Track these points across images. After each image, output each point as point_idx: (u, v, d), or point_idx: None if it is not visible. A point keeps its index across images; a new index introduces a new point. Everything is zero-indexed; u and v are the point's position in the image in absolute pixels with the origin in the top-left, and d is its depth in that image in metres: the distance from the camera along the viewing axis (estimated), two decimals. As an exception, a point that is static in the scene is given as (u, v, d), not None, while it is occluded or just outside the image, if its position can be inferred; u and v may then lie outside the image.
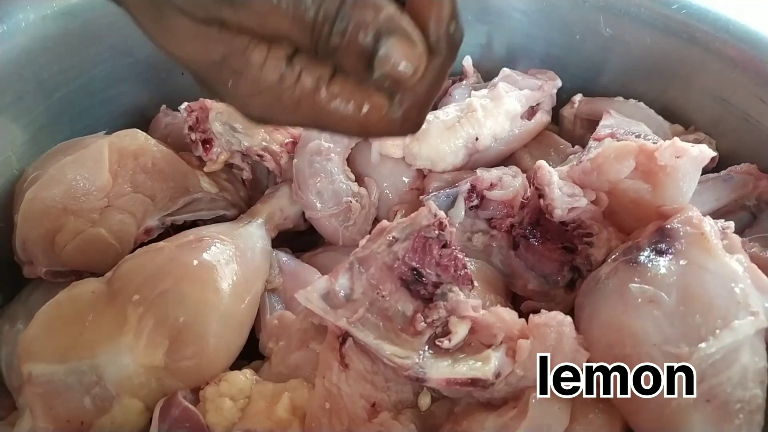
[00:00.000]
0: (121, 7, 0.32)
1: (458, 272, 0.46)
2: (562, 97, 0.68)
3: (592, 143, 0.54)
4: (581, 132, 0.67)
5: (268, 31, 0.30)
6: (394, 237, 0.46)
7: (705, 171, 0.57)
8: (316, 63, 0.31)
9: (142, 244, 0.53)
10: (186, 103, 0.58)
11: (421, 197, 0.58)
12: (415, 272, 0.45)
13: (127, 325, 0.44)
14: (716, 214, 0.54)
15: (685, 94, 0.62)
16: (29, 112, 0.56)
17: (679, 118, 0.63)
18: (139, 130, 0.55)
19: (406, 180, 0.60)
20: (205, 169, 0.59)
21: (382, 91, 0.32)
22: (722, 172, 0.56)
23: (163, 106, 0.66)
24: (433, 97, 0.33)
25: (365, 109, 0.32)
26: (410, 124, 0.33)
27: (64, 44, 0.57)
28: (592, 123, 0.63)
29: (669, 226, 0.44)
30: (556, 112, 0.68)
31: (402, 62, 0.30)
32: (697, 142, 0.60)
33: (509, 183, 0.55)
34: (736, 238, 0.44)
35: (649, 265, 0.42)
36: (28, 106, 0.55)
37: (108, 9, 0.59)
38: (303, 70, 0.31)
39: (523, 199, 0.55)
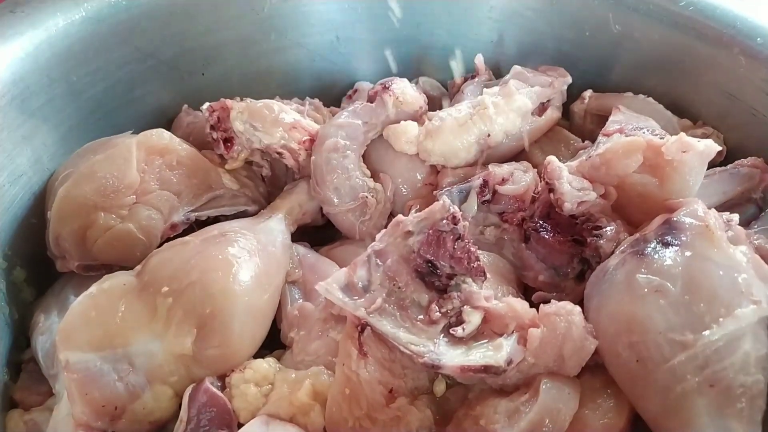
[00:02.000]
0: None
1: (471, 264, 0.47)
2: (573, 93, 0.69)
3: (601, 138, 0.56)
4: (591, 127, 0.68)
5: None
6: (409, 231, 0.48)
7: (713, 164, 0.59)
8: None
9: (168, 239, 0.55)
10: (208, 103, 0.61)
11: (434, 192, 0.60)
12: (430, 264, 0.47)
13: (157, 316, 0.47)
14: (723, 207, 0.56)
15: (693, 89, 0.63)
16: (59, 113, 0.58)
17: (687, 113, 0.64)
18: (165, 130, 0.57)
19: (420, 176, 0.62)
20: (226, 166, 0.61)
21: None
22: (729, 166, 0.57)
23: (185, 106, 0.68)
24: None
25: None
26: None
27: (92, 48, 0.59)
28: (602, 118, 0.64)
29: (675, 219, 0.45)
30: (566, 108, 0.70)
31: None
32: (705, 136, 0.61)
33: (520, 178, 0.57)
34: (740, 230, 0.46)
35: (656, 257, 0.44)
36: (58, 108, 0.58)
37: (131, 14, 0.62)
38: None
39: (533, 193, 0.57)
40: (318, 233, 0.65)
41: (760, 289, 0.42)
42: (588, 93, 0.69)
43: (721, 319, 0.40)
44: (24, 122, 0.54)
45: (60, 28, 0.56)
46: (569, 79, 0.67)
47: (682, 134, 0.49)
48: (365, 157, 0.63)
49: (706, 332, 0.40)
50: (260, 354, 0.52)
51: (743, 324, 0.40)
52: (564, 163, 0.58)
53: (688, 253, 0.43)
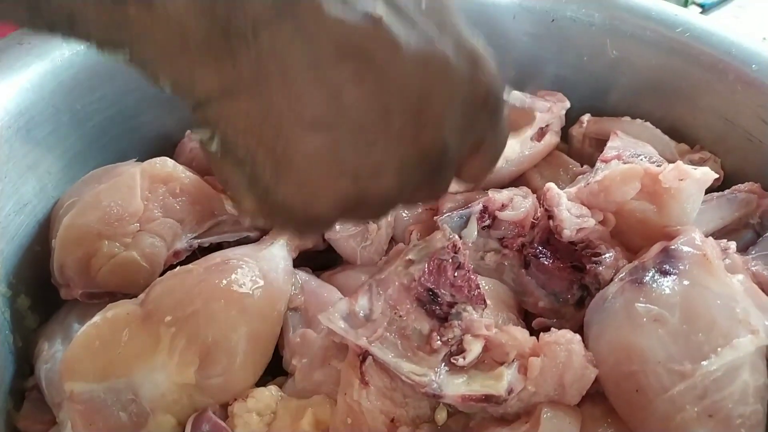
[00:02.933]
0: None
1: (472, 292, 0.48)
2: (572, 116, 0.70)
3: (599, 165, 0.57)
4: (590, 150, 0.69)
5: None
6: (410, 259, 0.49)
7: (711, 189, 0.59)
8: None
9: (171, 266, 0.56)
10: (211, 131, 0.61)
11: (435, 218, 0.60)
12: (430, 293, 0.48)
13: (160, 345, 0.47)
14: (721, 233, 0.56)
15: (690, 113, 0.64)
16: (64, 141, 0.59)
17: (685, 137, 0.65)
18: (168, 158, 0.57)
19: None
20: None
21: None
22: (726, 191, 0.58)
23: (188, 132, 0.69)
24: None
25: None
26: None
27: (96, 77, 0.60)
28: (601, 142, 0.65)
29: (673, 247, 0.46)
30: (566, 131, 0.71)
31: None
32: (703, 160, 0.62)
33: (520, 204, 0.58)
34: (738, 258, 0.46)
35: (654, 285, 0.44)
36: (63, 136, 0.58)
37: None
38: None
39: (533, 219, 0.57)
40: (320, 257, 0.65)
41: (757, 318, 0.42)
42: (586, 117, 0.69)
43: (719, 349, 0.40)
44: (29, 152, 0.55)
45: (65, 58, 0.57)
46: (567, 104, 0.68)
47: (679, 162, 0.50)
48: (366, 182, 0.64)
49: (705, 362, 0.40)
50: (263, 380, 0.52)
51: (741, 354, 0.40)
52: (563, 188, 0.59)
53: (686, 282, 0.44)
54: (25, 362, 0.55)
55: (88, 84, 0.59)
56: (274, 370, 0.54)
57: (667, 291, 0.43)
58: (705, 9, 1.37)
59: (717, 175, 0.50)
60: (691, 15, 0.64)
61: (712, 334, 0.41)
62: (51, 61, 0.56)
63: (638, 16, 0.65)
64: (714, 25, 0.62)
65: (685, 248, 0.45)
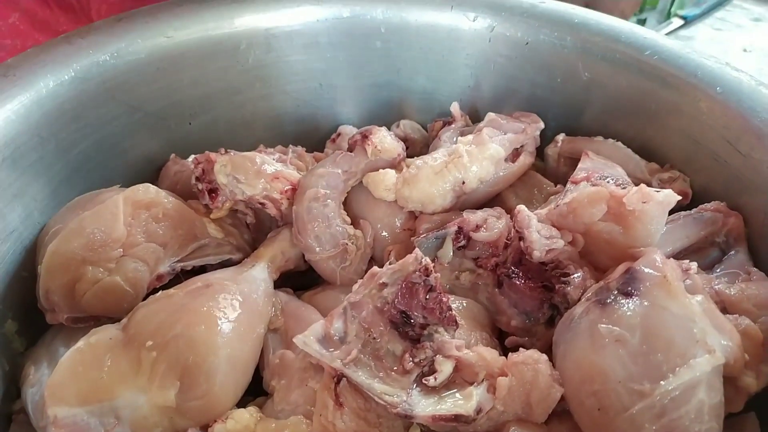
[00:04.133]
0: None
1: (443, 314, 0.49)
2: (548, 135, 0.72)
3: (569, 186, 0.58)
4: (565, 169, 0.70)
5: None
6: (384, 282, 0.50)
7: (680, 208, 0.61)
8: None
9: (154, 290, 0.57)
10: (193, 156, 0.63)
11: (412, 238, 0.62)
12: (403, 315, 0.49)
13: (142, 369, 0.49)
14: (688, 251, 0.58)
15: (660, 133, 0.66)
16: (50, 168, 0.60)
17: (655, 156, 0.66)
18: (151, 185, 0.59)
19: (399, 221, 0.64)
20: (211, 215, 0.63)
21: None
22: (693, 211, 0.59)
23: (173, 155, 0.71)
24: None
25: None
26: None
27: (80, 105, 0.62)
28: (575, 161, 0.66)
29: (635, 269, 0.48)
30: (542, 150, 0.73)
31: None
32: (672, 179, 0.64)
33: (493, 225, 0.59)
34: (698, 279, 0.48)
35: (616, 306, 0.46)
36: (49, 164, 0.60)
37: (119, 71, 0.65)
38: None
39: (506, 239, 0.59)
40: (301, 277, 0.67)
41: (714, 338, 0.44)
42: (561, 137, 0.71)
43: (677, 369, 0.42)
44: (15, 180, 0.57)
45: (50, 88, 0.59)
46: (542, 125, 0.69)
47: (642, 185, 0.52)
48: (346, 204, 0.65)
49: (663, 382, 0.42)
50: (244, 400, 0.54)
51: (698, 373, 0.42)
52: (536, 208, 0.61)
53: (646, 304, 0.45)
54: (12, 385, 0.57)
55: (72, 113, 0.61)
56: (256, 390, 0.56)
57: (629, 312, 0.45)
58: (687, 21, 1.40)
59: (679, 197, 0.51)
60: (659, 38, 0.66)
61: (670, 354, 0.42)
62: (36, 92, 0.57)
63: (608, 40, 0.67)
64: (681, 48, 0.64)
65: (647, 270, 0.47)
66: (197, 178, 0.62)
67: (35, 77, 0.58)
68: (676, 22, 1.38)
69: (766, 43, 1.36)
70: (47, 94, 0.58)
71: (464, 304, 0.57)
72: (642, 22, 1.39)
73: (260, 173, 0.62)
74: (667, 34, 1.35)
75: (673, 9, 1.42)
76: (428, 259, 0.50)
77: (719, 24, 1.41)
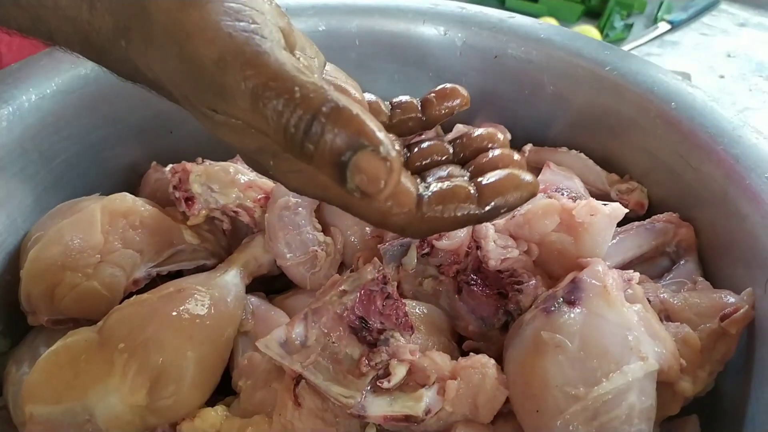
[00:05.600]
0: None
1: (399, 320, 0.52)
2: (517, 146, 0.75)
3: (527, 197, 0.61)
4: (530, 178, 0.73)
5: (253, 128, 0.32)
6: (344, 290, 0.53)
7: (636, 218, 0.64)
8: None
9: (131, 294, 0.60)
10: (171, 165, 0.66)
11: (378, 245, 0.65)
12: (361, 320, 0.52)
13: (114, 370, 0.51)
14: (639, 260, 0.61)
15: (619, 146, 0.68)
16: (33, 178, 0.63)
17: (616, 168, 0.69)
18: (128, 194, 0.62)
19: (368, 229, 0.67)
20: (188, 222, 0.66)
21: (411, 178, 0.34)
22: (646, 221, 0.62)
23: (153, 163, 0.73)
24: (453, 229, 0.36)
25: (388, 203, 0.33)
26: (427, 225, 0.34)
27: (63, 118, 0.64)
28: (540, 171, 0.69)
29: (579, 278, 0.50)
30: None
31: (370, 177, 0.28)
32: (630, 190, 0.66)
33: (455, 233, 0.62)
34: (639, 289, 0.51)
35: (559, 314, 0.49)
36: (32, 174, 0.63)
37: (100, 84, 0.68)
38: None
39: (467, 247, 0.62)
40: (274, 281, 0.69)
41: (648, 345, 0.46)
42: (528, 147, 0.74)
43: (611, 374, 0.45)
44: (-1, 190, 0.60)
45: (32, 102, 0.61)
46: (509, 136, 0.72)
47: (591, 199, 0.54)
48: (318, 211, 0.68)
49: (597, 386, 0.44)
50: (214, 399, 0.57)
51: (630, 379, 0.45)
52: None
53: (585, 312, 0.48)
54: (-4, 384, 0.60)
55: (54, 125, 0.64)
56: (226, 390, 0.59)
57: (569, 320, 0.48)
58: (674, 26, 1.42)
59: (627, 210, 0.54)
60: (619, 54, 0.69)
61: (604, 361, 0.45)
62: (18, 106, 0.60)
63: (571, 55, 0.69)
64: (639, 64, 0.67)
65: (589, 279, 0.49)
66: (174, 187, 0.65)
67: (17, 91, 0.61)
68: (663, 26, 1.40)
69: (749, 48, 1.38)
70: (29, 108, 0.61)
71: (425, 310, 0.60)
72: (629, 27, 1.41)
73: (234, 183, 0.65)
74: (653, 39, 1.38)
75: (660, 14, 1.44)
76: (387, 268, 0.53)
77: (705, 29, 1.44)
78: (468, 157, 0.40)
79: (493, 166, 0.37)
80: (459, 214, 0.34)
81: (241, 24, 0.32)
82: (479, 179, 0.35)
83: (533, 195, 0.36)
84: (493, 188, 0.34)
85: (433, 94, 0.46)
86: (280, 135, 0.30)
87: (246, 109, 0.31)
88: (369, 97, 0.45)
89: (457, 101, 0.46)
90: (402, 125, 0.46)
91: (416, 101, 0.46)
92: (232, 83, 0.31)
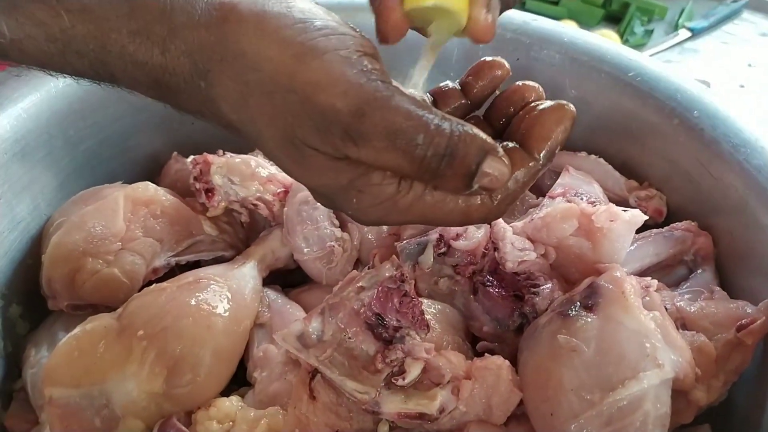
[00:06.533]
0: (267, 158, 0.40)
1: (415, 318, 0.52)
2: (535, 148, 0.75)
3: (546, 201, 0.61)
4: (549, 182, 0.73)
5: (381, 164, 0.36)
6: (361, 286, 0.54)
7: (654, 225, 0.64)
8: None
9: (150, 282, 0.61)
10: (192, 157, 0.67)
11: (395, 243, 0.65)
12: (378, 317, 0.52)
13: (132, 356, 0.52)
14: (656, 267, 0.61)
15: (640, 152, 0.68)
16: (57, 163, 0.64)
17: (635, 174, 0.69)
18: (150, 183, 0.63)
19: (385, 227, 0.67)
20: (207, 213, 0.67)
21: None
22: (664, 229, 0.62)
23: (175, 153, 0.74)
24: (521, 193, 0.41)
25: (466, 204, 0.39)
26: (500, 211, 0.40)
27: (89, 105, 0.65)
28: (559, 174, 0.69)
29: (596, 284, 0.50)
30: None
31: (496, 176, 0.37)
32: (649, 197, 0.66)
33: (473, 234, 0.62)
34: (656, 296, 0.51)
35: (576, 319, 0.49)
36: (56, 159, 0.64)
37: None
38: (414, 180, 0.37)
39: (484, 249, 0.62)
40: (290, 275, 0.70)
41: (664, 353, 0.46)
42: (547, 150, 0.74)
43: (626, 381, 0.45)
44: (24, 174, 0.60)
45: (59, 89, 0.62)
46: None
47: (611, 205, 0.54)
48: (336, 207, 0.68)
49: (612, 392, 0.45)
50: (229, 389, 0.57)
51: (646, 386, 0.45)
52: (517, 219, 0.64)
53: (603, 317, 0.48)
54: (15, 365, 0.61)
55: (80, 112, 0.64)
56: (241, 381, 0.59)
57: (586, 325, 0.48)
58: (695, 33, 1.41)
59: (646, 217, 0.54)
60: (643, 59, 0.68)
61: (621, 367, 0.45)
62: (46, 92, 0.61)
63: (594, 59, 0.69)
64: (664, 71, 0.67)
65: (607, 285, 0.49)
66: (195, 178, 0.66)
67: (46, 78, 0.61)
68: (684, 33, 1.39)
69: (770, 59, 1.37)
70: (57, 94, 0.62)
71: (440, 309, 0.60)
72: (649, 33, 1.40)
73: (254, 176, 0.65)
74: (673, 46, 1.37)
75: (680, 21, 1.43)
76: (404, 266, 0.53)
77: (726, 37, 1.43)
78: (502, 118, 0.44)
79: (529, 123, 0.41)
80: (524, 179, 0.39)
81: (364, 72, 0.35)
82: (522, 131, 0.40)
83: (573, 117, 0.41)
84: (539, 136, 0.40)
85: (470, 76, 0.46)
86: (416, 163, 0.35)
87: (382, 148, 0.35)
88: (414, 92, 0.46)
89: (498, 73, 0.46)
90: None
91: (456, 86, 0.46)
92: (370, 129, 0.34)
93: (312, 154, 0.37)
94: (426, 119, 0.35)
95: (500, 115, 0.44)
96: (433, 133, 0.35)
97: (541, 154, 0.39)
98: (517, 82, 0.44)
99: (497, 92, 0.46)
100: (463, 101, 0.46)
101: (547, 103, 0.41)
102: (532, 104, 0.42)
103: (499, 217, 0.42)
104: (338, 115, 0.34)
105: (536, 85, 0.44)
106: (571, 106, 0.40)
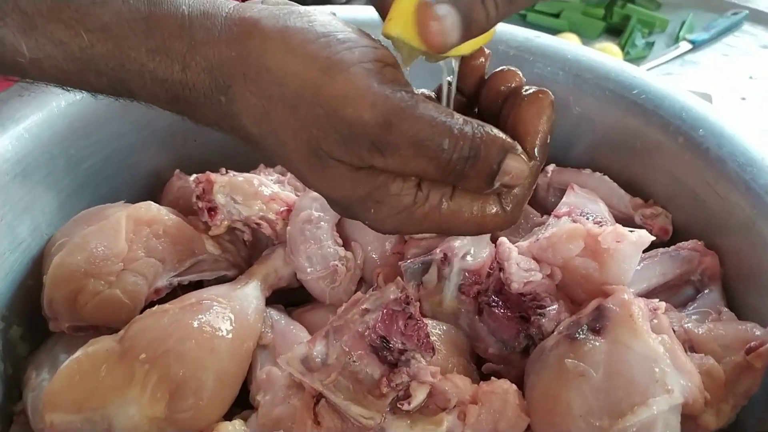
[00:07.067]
0: (287, 169, 0.42)
1: (421, 341, 0.52)
2: (540, 165, 0.74)
3: (551, 220, 0.61)
4: (553, 199, 0.73)
5: (408, 170, 0.38)
6: (366, 308, 0.53)
7: (660, 244, 0.63)
8: (440, 183, 0.39)
9: (152, 303, 0.60)
10: (195, 175, 0.66)
11: (399, 263, 0.65)
12: (383, 340, 0.52)
13: (134, 381, 0.52)
14: (663, 288, 0.60)
15: (644, 170, 0.68)
16: (58, 183, 0.63)
17: (640, 192, 0.68)
18: (153, 202, 0.62)
19: (389, 245, 0.67)
20: (210, 232, 0.66)
21: (493, 195, 0.40)
22: (671, 248, 0.61)
23: (177, 171, 0.74)
24: (530, 195, 0.42)
25: (481, 213, 0.40)
26: (513, 218, 0.42)
27: (91, 123, 0.65)
28: (563, 191, 0.69)
29: (604, 306, 0.50)
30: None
31: (515, 173, 0.38)
32: (654, 215, 0.66)
33: (477, 253, 0.62)
34: (664, 319, 0.50)
35: (584, 342, 0.48)
36: (58, 179, 0.63)
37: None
38: (430, 191, 0.39)
39: (489, 268, 0.61)
40: (293, 294, 0.69)
41: (674, 378, 0.46)
42: (551, 167, 0.73)
43: (635, 407, 0.44)
44: (25, 195, 0.60)
45: (62, 108, 0.62)
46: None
47: (617, 225, 0.54)
48: (339, 225, 0.68)
49: (621, 419, 0.44)
50: (232, 412, 0.57)
51: (655, 412, 0.44)
52: (522, 237, 0.63)
53: (611, 341, 0.47)
54: (15, 387, 0.60)
55: (82, 131, 0.64)
56: (243, 403, 0.59)
57: (594, 349, 0.47)
58: (695, 45, 1.41)
59: (653, 238, 0.53)
60: (648, 77, 0.68)
61: (630, 392, 0.45)
62: (48, 111, 0.61)
63: (598, 77, 0.69)
64: (668, 89, 0.66)
65: (614, 308, 0.49)
66: (197, 197, 0.65)
67: (49, 97, 0.61)
68: (684, 46, 1.39)
69: (771, 72, 1.37)
70: (59, 114, 0.62)
71: (445, 330, 0.59)
72: (650, 45, 1.40)
73: (257, 195, 0.65)
74: (674, 58, 1.37)
75: (681, 33, 1.43)
76: (408, 286, 0.52)
77: (727, 49, 1.43)
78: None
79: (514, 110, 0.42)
80: (528, 180, 0.40)
81: (388, 83, 0.36)
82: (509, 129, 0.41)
83: (551, 103, 0.42)
84: (525, 133, 0.40)
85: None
86: (442, 167, 0.37)
87: (410, 155, 0.36)
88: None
89: (481, 60, 0.45)
90: None
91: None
92: (398, 138, 0.36)
93: (335, 165, 0.38)
94: (450, 124, 0.36)
95: (491, 107, 0.44)
96: (457, 137, 0.36)
97: (535, 151, 0.40)
98: (495, 70, 0.44)
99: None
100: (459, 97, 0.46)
101: (526, 93, 0.41)
102: (513, 94, 0.42)
103: (513, 224, 0.43)
104: (366, 127, 0.35)
105: (513, 69, 0.44)
106: (548, 92, 0.41)
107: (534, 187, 0.43)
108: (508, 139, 0.38)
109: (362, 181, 0.38)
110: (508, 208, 0.41)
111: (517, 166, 0.38)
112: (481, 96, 0.45)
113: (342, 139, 0.36)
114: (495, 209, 0.40)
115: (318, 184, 0.40)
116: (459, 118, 0.37)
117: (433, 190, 0.39)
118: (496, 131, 0.38)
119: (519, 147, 0.39)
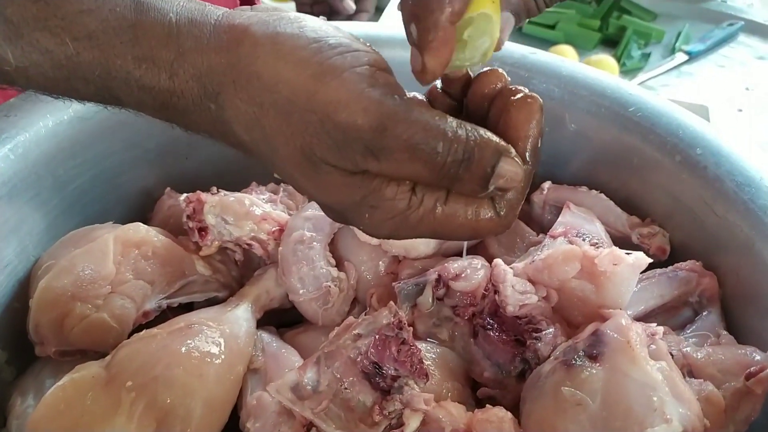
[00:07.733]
0: (280, 175, 0.41)
1: (414, 367, 0.51)
2: (535, 182, 0.73)
3: (547, 240, 0.60)
4: (549, 217, 0.72)
5: (402, 174, 0.37)
6: (358, 333, 0.52)
7: (658, 264, 0.62)
8: (434, 187, 0.39)
9: (140, 326, 0.59)
10: (185, 195, 0.65)
11: (393, 283, 0.64)
12: (375, 366, 0.51)
13: (120, 409, 0.50)
14: (660, 310, 0.59)
15: (641, 188, 0.67)
16: (46, 204, 0.62)
17: (637, 210, 0.67)
18: (141, 224, 0.61)
19: (383, 265, 0.66)
20: (200, 253, 0.65)
21: (487, 200, 0.40)
22: (668, 269, 0.60)
23: (168, 189, 0.73)
24: (523, 199, 0.41)
25: (475, 217, 0.39)
26: (507, 223, 0.41)
27: (79, 143, 0.64)
28: (559, 209, 0.68)
29: (600, 331, 0.49)
30: (528, 196, 0.74)
31: (510, 176, 0.38)
32: (652, 234, 0.65)
33: (472, 275, 0.61)
34: (662, 344, 0.49)
35: (581, 369, 0.47)
36: (45, 200, 0.62)
37: (117, 110, 0.67)
38: (425, 195, 0.38)
39: (484, 290, 0.60)
40: (285, 314, 0.68)
41: (672, 407, 0.45)
42: (547, 184, 0.73)
43: (634, 437, 0.43)
44: (11, 217, 0.59)
45: (49, 128, 0.61)
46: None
47: (614, 248, 0.53)
48: (332, 245, 0.67)
49: (619, 449, 0.43)
50: (222, 438, 0.55)
51: (654, 442, 0.43)
52: (518, 257, 0.62)
53: (608, 368, 0.46)
54: (0, 413, 0.59)
55: (69, 151, 0.63)
56: (233, 429, 0.57)
57: (591, 376, 0.46)
58: (691, 57, 1.41)
59: (650, 260, 0.52)
60: (644, 94, 0.67)
61: (628, 422, 0.44)
62: (35, 132, 0.60)
63: (594, 94, 0.68)
64: (665, 106, 0.66)
65: (611, 333, 0.48)
66: (188, 217, 0.64)
67: (36, 117, 0.60)
68: (681, 57, 1.39)
69: (768, 82, 1.37)
70: (46, 134, 0.61)
71: (439, 353, 0.58)
72: (646, 57, 1.40)
73: (248, 215, 0.64)
74: (670, 69, 1.36)
75: (678, 44, 1.43)
76: (402, 313, 0.51)
77: (723, 60, 1.42)
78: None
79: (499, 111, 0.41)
80: (521, 185, 0.39)
81: (381, 87, 0.36)
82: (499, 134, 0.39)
83: (540, 106, 0.40)
84: (515, 139, 0.39)
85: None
86: (437, 171, 0.36)
87: (404, 159, 0.36)
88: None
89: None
90: None
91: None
92: (392, 142, 0.35)
93: (329, 170, 0.37)
94: (444, 128, 0.36)
95: (478, 110, 0.43)
96: (451, 140, 0.36)
97: (527, 155, 0.39)
98: (479, 71, 0.43)
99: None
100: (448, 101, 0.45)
101: (515, 98, 0.40)
102: (500, 96, 0.41)
103: (507, 229, 0.42)
104: (360, 132, 0.35)
105: (497, 70, 0.43)
106: (536, 97, 0.40)
107: (526, 193, 0.42)
108: (502, 143, 0.38)
109: (356, 186, 0.38)
110: (502, 213, 0.40)
111: (511, 169, 0.38)
112: (467, 98, 0.44)
113: (336, 144, 0.36)
114: (489, 214, 0.40)
115: (312, 190, 0.40)
116: (453, 122, 0.36)
117: (427, 194, 0.38)
118: (489, 134, 0.37)
119: (513, 150, 0.38)
